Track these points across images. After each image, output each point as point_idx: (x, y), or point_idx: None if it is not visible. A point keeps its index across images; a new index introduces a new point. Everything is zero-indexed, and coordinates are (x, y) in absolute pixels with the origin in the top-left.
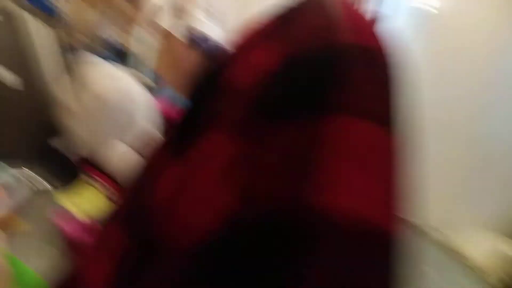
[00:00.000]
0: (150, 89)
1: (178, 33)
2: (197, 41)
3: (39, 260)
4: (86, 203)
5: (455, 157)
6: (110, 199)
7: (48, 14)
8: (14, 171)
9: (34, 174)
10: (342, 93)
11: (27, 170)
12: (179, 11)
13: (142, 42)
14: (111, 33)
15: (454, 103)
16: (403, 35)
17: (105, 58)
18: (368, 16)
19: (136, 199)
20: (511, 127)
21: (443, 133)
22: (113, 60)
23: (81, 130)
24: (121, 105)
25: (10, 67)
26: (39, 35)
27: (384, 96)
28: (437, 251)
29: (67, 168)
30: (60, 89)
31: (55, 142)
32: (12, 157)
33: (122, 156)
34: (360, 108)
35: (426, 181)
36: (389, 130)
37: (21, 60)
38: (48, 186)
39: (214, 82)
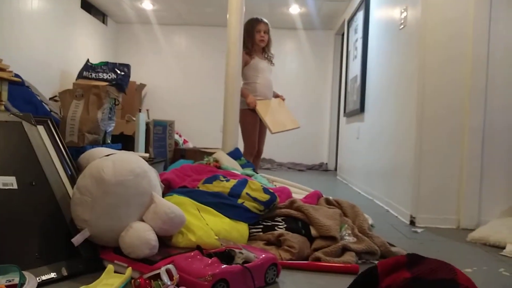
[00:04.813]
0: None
1: None
2: None
3: None
4: None
5: None
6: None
7: (44, 116)
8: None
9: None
10: None
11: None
12: None
13: (139, 125)
14: (110, 123)
15: None
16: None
17: (108, 146)
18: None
19: None
20: None
21: None
22: (115, 146)
23: (99, 220)
24: (138, 185)
25: (14, 173)
26: (35, 138)
27: None
28: None
29: (90, 260)
30: (69, 184)
31: (74, 239)
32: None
33: (144, 234)
34: None
35: None
36: None
37: (24, 164)
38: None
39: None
